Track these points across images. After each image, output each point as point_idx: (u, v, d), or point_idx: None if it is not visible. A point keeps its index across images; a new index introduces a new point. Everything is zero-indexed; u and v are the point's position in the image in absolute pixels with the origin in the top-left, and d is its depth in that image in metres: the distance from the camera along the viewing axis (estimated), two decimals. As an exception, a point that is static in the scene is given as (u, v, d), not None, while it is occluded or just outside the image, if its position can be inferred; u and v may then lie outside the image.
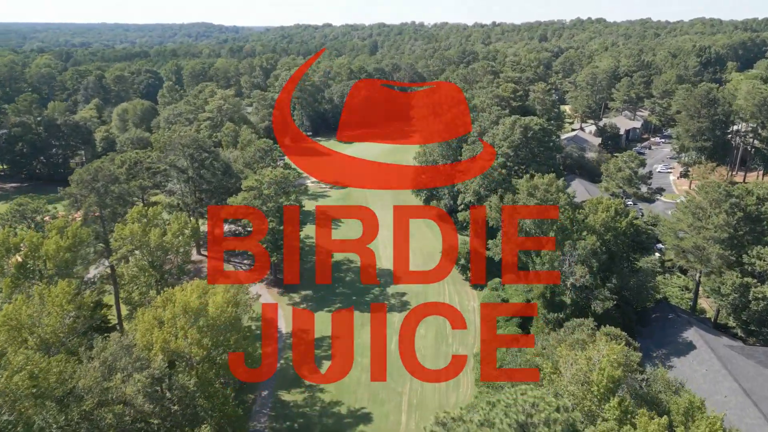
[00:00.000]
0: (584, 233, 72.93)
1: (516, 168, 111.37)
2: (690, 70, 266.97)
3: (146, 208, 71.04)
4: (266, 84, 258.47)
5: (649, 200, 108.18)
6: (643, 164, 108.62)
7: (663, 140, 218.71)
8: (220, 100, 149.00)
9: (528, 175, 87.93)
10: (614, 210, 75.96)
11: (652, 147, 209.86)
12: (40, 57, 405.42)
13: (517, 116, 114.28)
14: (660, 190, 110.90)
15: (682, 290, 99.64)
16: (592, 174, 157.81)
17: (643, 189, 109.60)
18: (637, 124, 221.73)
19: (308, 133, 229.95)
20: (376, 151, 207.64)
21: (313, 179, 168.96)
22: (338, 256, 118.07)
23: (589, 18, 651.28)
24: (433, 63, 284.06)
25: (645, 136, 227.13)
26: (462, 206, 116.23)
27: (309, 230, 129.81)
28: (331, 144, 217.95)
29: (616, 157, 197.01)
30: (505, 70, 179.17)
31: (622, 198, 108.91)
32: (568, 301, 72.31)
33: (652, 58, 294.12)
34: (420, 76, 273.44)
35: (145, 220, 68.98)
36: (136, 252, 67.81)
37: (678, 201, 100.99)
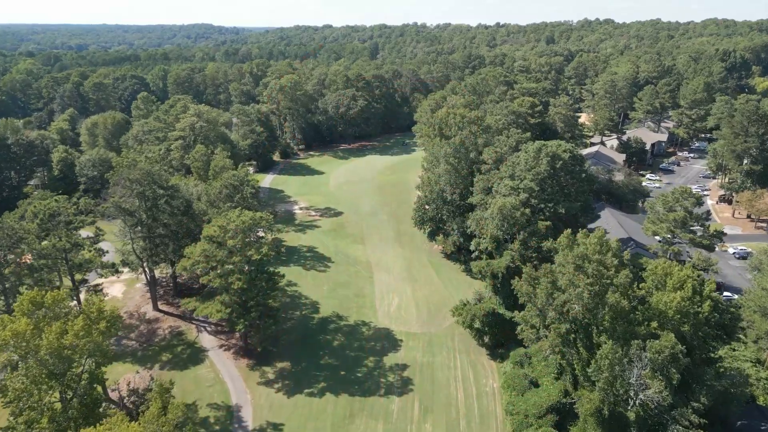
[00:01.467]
0: (654, 324, 52.83)
1: (542, 206, 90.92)
2: (715, 76, 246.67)
3: (43, 293, 51.04)
4: (255, 93, 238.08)
5: (708, 248, 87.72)
6: (699, 203, 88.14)
7: (692, 155, 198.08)
8: (193, 117, 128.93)
9: (569, 232, 67.05)
10: (691, 287, 55.64)
11: (681, 163, 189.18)
12: (23, 62, 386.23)
13: (542, 142, 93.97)
14: (720, 234, 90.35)
15: (756, 366, 79.11)
16: (620, 199, 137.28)
17: (698, 232, 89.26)
18: (663, 137, 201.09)
19: (300, 147, 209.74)
20: (377, 165, 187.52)
21: (302, 205, 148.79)
22: (326, 310, 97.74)
23: (597, 19, 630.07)
24: (437, 69, 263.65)
25: (670, 149, 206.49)
26: (476, 252, 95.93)
27: (293, 274, 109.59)
28: (326, 159, 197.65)
29: (642, 175, 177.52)
30: (520, 80, 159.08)
31: (675, 246, 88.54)
32: (632, 416, 52.08)
33: (672, 62, 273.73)
34: (422, 83, 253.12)
35: (40, 312, 49.02)
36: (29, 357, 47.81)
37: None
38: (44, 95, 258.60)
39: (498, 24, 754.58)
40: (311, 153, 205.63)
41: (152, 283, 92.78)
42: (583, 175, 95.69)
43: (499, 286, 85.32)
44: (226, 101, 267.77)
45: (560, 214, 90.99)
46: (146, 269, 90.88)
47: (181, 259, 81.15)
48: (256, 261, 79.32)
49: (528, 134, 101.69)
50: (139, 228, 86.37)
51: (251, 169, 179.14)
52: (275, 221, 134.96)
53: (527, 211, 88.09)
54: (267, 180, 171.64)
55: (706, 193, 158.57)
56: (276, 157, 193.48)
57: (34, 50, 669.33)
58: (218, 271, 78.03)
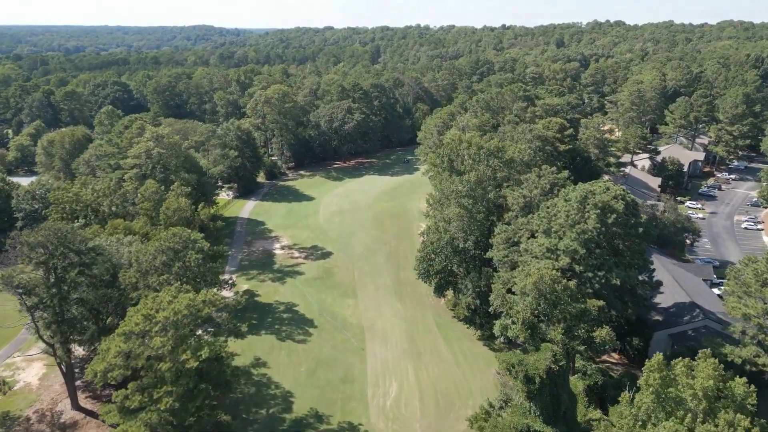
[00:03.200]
0: None
1: (590, 275, 67.71)
2: (750, 86, 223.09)
3: None
4: (242, 103, 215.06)
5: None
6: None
7: (732, 177, 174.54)
8: (149, 142, 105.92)
9: (659, 359, 43.68)
10: None
11: (723, 187, 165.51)
12: (2, 66, 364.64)
13: (587, 188, 70.92)
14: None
15: None
16: (666, 241, 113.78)
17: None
18: (699, 156, 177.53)
19: (289, 165, 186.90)
20: (375, 189, 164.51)
21: (284, 243, 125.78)
22: (301, 406, 74.39)
23: (608, 21, 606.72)
24: (442, 76, 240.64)
25: (706, 169, 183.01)
26: (502, 337, 72.81)
27: (264, 346, 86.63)
28: (317, 181, 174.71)
29: (680, 201, 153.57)
30: (542, 94, 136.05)
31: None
32: None
33: (699, 69, 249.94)
34: (426, 92, 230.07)
35: None
36: None
37: None
38: (11, 105, 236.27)
39: (504, 26, 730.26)
40: (301, 173, 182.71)
41: (69, 375, 69.89)
42: (640, 229, 72.44)
43: (536, 392, 62.14)
44: (211, 111, 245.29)
45: (614, 285, 67.90)
46: (59, 359, 67.85)
47: (92, 361, 58.35)
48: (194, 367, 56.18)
49: (565, 173, 78.44)
50: (46, 310, 63.42)
51: (230, 194, 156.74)
52: (250, 266, 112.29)
53: (572, 284, 64.95)
54: (247, 208, 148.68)
55: (759, 227, 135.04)
56: (261, 177, 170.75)
57: (30, 52, 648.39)
58: (141, 382, 55.20)
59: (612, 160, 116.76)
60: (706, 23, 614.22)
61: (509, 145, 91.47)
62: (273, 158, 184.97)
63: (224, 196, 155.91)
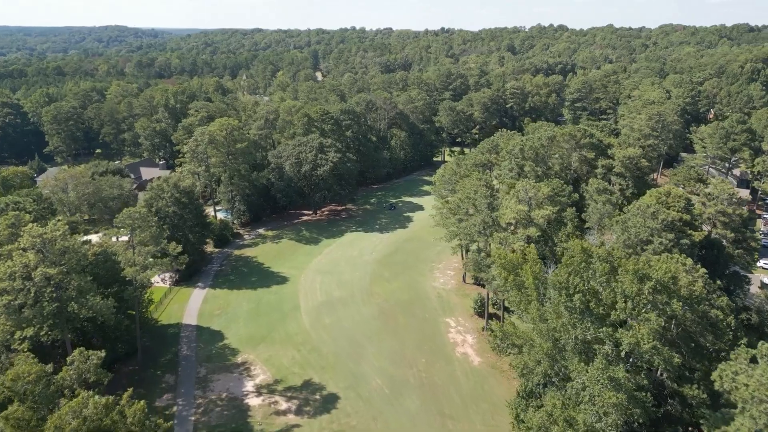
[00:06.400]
0: None
1: None
2: (757, 101, 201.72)
3: None
4: (174, 139, 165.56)
5: None
6: None
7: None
8: (29, 253, 59.96)
9: None
10: None
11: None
12: None
13: None
14: None
15: None
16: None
17: None
18: (743, 193, 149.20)
19: (243, 220, 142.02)
20: (365, 257, 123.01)
21: (260, 378, 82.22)
22: None
23: (551, 25, 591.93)
24: (418, 95, 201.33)
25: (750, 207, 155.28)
26: None
27: None
28: (285, 246, 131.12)
29: (750, 262, 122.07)
30: (602, 137, 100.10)
31: None
32: None
33: (690, 79, 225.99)
34: (401, 115, 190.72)
35: None
36: None
37: None
38: None
39: (443, 29, 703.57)
40: (260, 232, 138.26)
41: None
42: None
43: None
44: (132, 142, 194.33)
45: None
46: None
47: None
48: None
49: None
50: None
51: (167, 279, 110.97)
52: None
53: None
54: (194, 303, 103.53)
55: None
56: (210, 246, 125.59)
57: None
58: None
59: (755, 243, 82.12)
60: (645, 27, 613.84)
61: (654, 263, 53.87)
62: (220, 212, 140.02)
63: (158, 281, 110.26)
